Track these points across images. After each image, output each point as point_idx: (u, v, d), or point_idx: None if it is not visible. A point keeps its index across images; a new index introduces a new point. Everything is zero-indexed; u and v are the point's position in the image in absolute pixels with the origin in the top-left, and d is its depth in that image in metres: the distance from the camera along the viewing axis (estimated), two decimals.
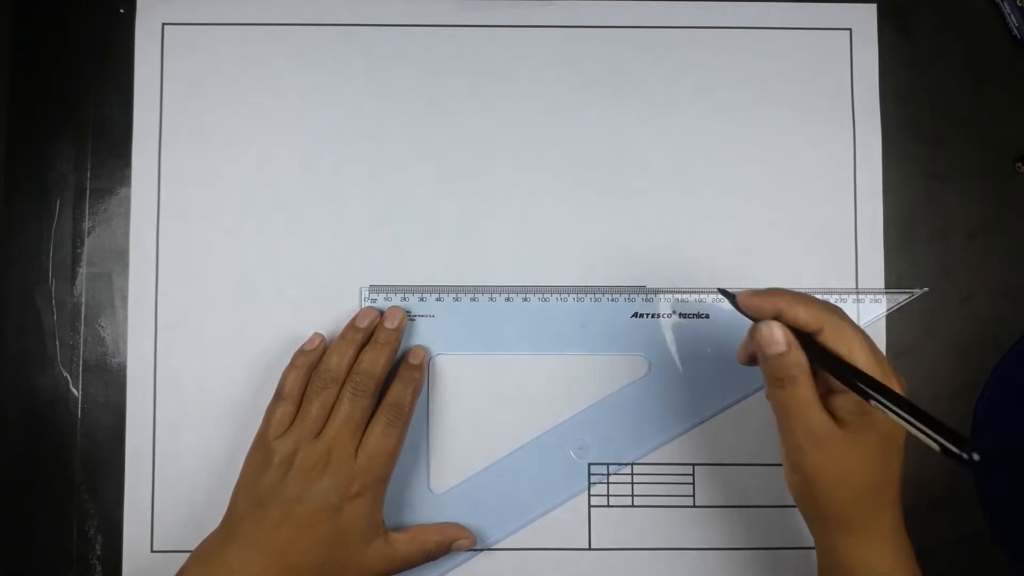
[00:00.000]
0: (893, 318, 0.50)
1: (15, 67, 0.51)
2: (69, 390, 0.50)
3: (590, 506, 0.50)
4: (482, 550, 0.49)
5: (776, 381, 0.36)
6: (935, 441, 0.31)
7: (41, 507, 0.49)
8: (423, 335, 0.50)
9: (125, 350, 0.50)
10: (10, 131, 0.51)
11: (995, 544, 0.50)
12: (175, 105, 0.51)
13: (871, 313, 0.50)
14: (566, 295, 0.50)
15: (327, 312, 0.50)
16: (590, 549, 0.49)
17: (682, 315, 0.50)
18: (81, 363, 0.50)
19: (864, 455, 0.36)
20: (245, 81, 0.51)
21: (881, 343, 0.50)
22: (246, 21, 0.51)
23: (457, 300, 0.50)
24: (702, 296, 0.50)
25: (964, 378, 0.51)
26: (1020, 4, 0.51)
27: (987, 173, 0.51)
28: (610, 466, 0.50)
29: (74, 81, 0.51)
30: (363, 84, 0.51)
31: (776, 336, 0.35)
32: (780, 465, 0.48)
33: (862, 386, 0.34)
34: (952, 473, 0.50)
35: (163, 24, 0.51)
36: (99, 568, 0.49)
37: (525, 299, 0.50)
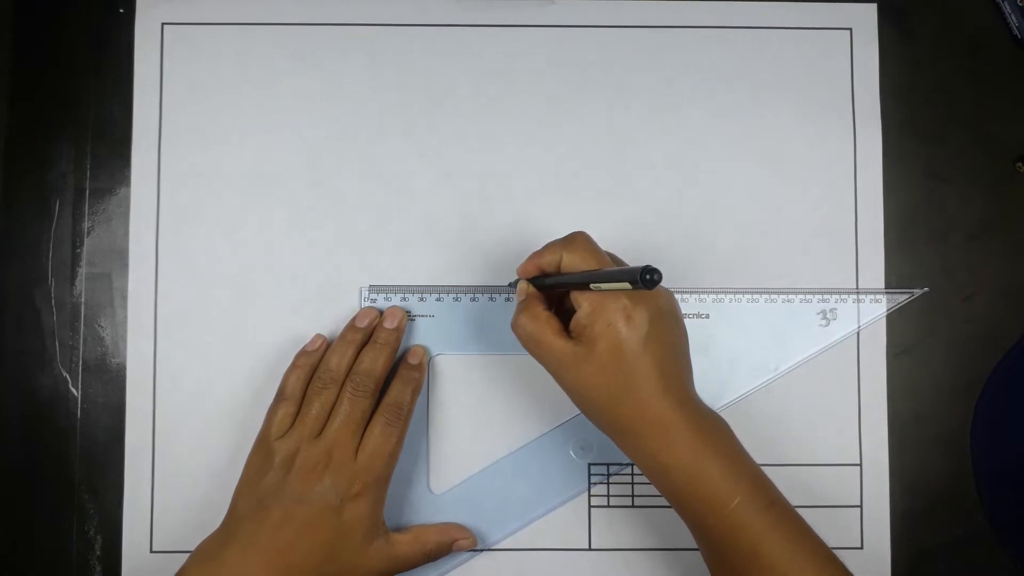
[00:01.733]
0: (893, 318, 0.50)
1: (15, 67, 0.51)
2: (69, 390, 0.50)
3: (590, 506, 0.50)
4: (482, 550, 0.49)
5: (520, 315, 0.43)
6: (627, 282, 0.37)
7: (41, 507, 0.49)
8: (423, 335, 0.50)
9: (125, 350, 0.50)
10: (10, 131, 0.50)
11: (995, 544, 0.50)
12: (175, 105, 0.51)
13: (871, 313, 0.50)
14: None
15: (327, 312, 0.50)
16: (590, 549, 0.49)
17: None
18: (81, 363, 0.50)
19: (599, 361, 0.40)
20: (245, 81, 0.51)
21: (881, 343, 0.50)
22: (246, 21, 0.51)
23: (457, 300, 0.50)
24: (702, 296, 0.50)
25: (964, 378, 0.50)
26: (1020, 4, 0.51)
27: (987, 173, 0.51)
28: (610, 466, 0.50)
29: (74, 81, 0.51)
30: (364, 84, 0.51)
31: (521, 287, 0.45)
32: (783, 465, 0.49)
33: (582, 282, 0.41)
34: (952, 473, 0.50)
35: (163, 24, 0.51)
36: (99, 568, 0.49)
37: None
